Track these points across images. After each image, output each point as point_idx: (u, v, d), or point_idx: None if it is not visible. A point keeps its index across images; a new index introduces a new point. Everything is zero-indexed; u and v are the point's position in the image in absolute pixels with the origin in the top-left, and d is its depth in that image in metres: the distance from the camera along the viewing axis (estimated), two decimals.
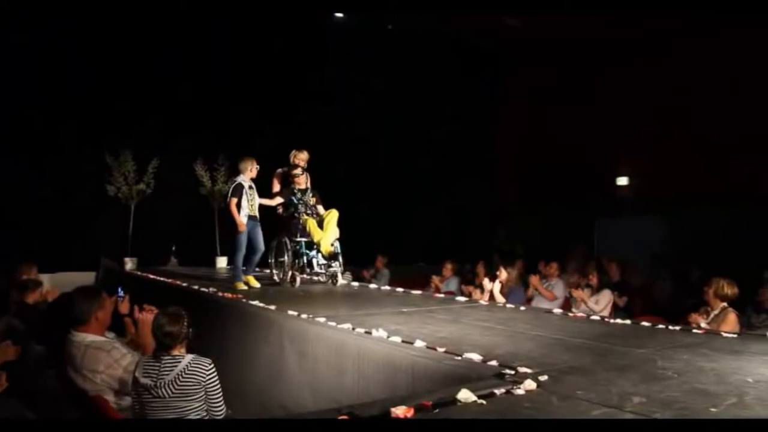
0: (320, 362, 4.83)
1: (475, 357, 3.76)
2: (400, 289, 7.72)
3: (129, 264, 10.78)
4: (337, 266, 7.93)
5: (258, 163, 7.89)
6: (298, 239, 8.00)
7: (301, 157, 8.23)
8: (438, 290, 9.16)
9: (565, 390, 3.09)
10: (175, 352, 3.85)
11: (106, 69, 11.31)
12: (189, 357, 3.83)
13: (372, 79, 13.74)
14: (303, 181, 8.19)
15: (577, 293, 7.77)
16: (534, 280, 8.25)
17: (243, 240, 7.63)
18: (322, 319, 5.19)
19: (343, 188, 10.78)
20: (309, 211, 8.08)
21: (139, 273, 10.30)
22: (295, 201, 8.06)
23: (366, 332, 4.59)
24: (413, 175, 14.36)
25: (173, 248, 11.67)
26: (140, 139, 11.00)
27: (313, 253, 8.01)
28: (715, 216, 11.43)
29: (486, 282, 7.67)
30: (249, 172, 7.77)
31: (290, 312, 5.59)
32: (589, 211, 13.67)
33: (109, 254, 11.23)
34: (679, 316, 6.42)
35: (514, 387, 3.08)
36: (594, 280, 7.93)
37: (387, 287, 7.88)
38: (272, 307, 5.92)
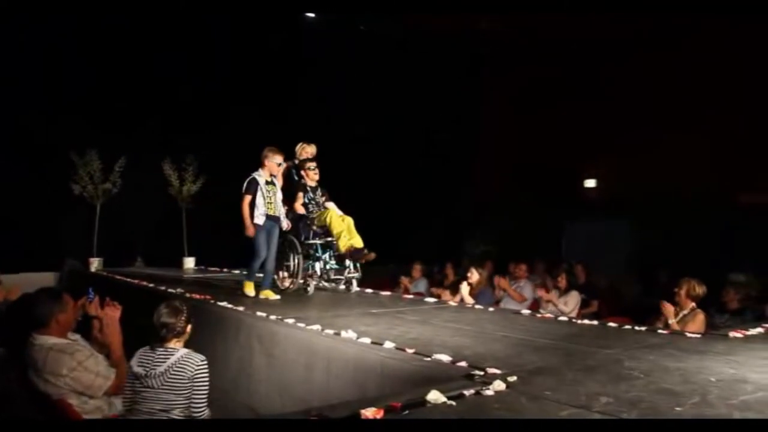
0: (289, 363, 4.80)
1: (444, 358, 3.76)
2: (369, 291, 7.71)
3: (94, 264, 10.61)
4: (354, 271, 7.41)
5: (286, 158, 7.08)
6: (312, 241, 7.32)
7: (310, 151, 7.70)
8: (407, 291, 9.15)
9: (534, 391, 3.10)
10: (170, 345, 3.83)
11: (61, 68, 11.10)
12: (183, 351, 3.81)
13: (346, 79, 13.70)
14: (315, 177, 7.56)
15: (545, 295, 7.82)
16: (502, 282, 8.28)
17: (262, 242, 6.68)
18: (291, 320, 5.16)
19: None
20: (322, 210, 7.46)
21: (104, 274, 10.14)
22: (307, 200, 7.43)
23: (335, 333, 4.58)
24: (383, 176, 14.34)
25: (139, 249, 11.51)
26: (108, 138, 10.82)
27: (326, 256, 7.39)
28: (680, 218, 11.62)
29: (463, 284, 7.70)
30: (270, 167, 6.79)
31: (259, 313, 5.56)
32: (557, 213, 13.80)
33: (74, 254, 11.03)
34: (647, 317, 6.51)
35: (484, 388, 3.09)
36: (563, 282, 7.99)
37: (356, 288, 7.86)
38: (241, 308, 5.87)
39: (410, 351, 3.98)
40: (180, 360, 3.73)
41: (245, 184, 6.69)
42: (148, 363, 3.74)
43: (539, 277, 9.50)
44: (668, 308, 5.91)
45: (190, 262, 11.19)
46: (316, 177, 7.53)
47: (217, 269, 10.73)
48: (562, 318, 5.72)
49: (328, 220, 7.15)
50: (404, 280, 9.43)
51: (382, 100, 14.03)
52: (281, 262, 7.33)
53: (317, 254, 7.34)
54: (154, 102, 11.62)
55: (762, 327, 5.03)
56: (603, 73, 12.65)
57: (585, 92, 12.92)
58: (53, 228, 11.07)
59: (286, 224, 6.96)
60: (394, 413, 2.73)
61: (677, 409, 2.83)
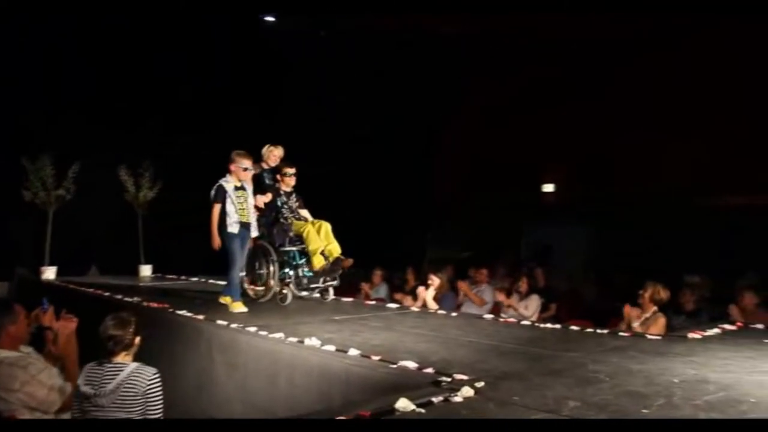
0: (251, 373, 4.72)
1: (411, 365, 3.73)
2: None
3: (46, 273, 10.30)
4: (330, 279, 7.03)
5: (254, 162, 6.74)
6: (288, 248, 6.92)
7: (278, 154, 7.38)
8: (368, 297, 9.10)
9: (502, 396, 3.09)
10: (119, 360, 3.65)
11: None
12: (133, 365, 3.64)
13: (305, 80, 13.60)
14: (291, 183, 7.17)
15: (505, 299, 7.85)
16: (463, 286, 8.30)
17: (237, 251, 6.34)
18: (253, 329, 5.07)
19: None
20: (296, 216, 7.13)
21: (57, 283, 9.86)
22: (279, 204, 7.04)
23: (299, 341, 4.51)
24: (343, 180, 14.24)
25: (94, 257, 11.23)
26: (61, 143, 10.53)
27: (303, 262, 6.97)
28: (637, 221, 11.83)
29: (421, 289, 7.68)
30: (236, 172, 6.43)
31: (220, 321, 5.45)
32: (517, 217, 13.91)
33: (25, 263, 10.70)
34: (605, 320, 6.59)
35: (452, 394, 3.07)
36: (524, 285, 8.04)
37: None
38: (201, 317, 5.75)
39: (375, 358, 3.94)
40: (130, 375, 3.57)
41: (213, 192, 6.35)
42: (96, 380, 3.56)
43: (500, 282, 9.54)
44: (632, 311, 5.99)
45: (146, 270, 10.94)
46: (293, 183, 7.17)
47: (175, 277, 10.53)
48: (525, 322, 5.76)
49: (305, 234, 6.81)
50: (365, 286, 9.36)
51: (344, 101, 13.96)
52: (253, 270, 7.06)
53: (293, 262, 6.97)
54: (106, 106, 11.37)
55: (719, 328, 5.13)
56: (564, 79, 12.80)
57: (544, 98, 13.05)
58: (3, 236, 10.72)
59: (255, 232, 6.68)
60: None
61: (644, 411, 2.85)
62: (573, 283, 10.30)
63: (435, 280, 7.87)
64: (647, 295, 5.98)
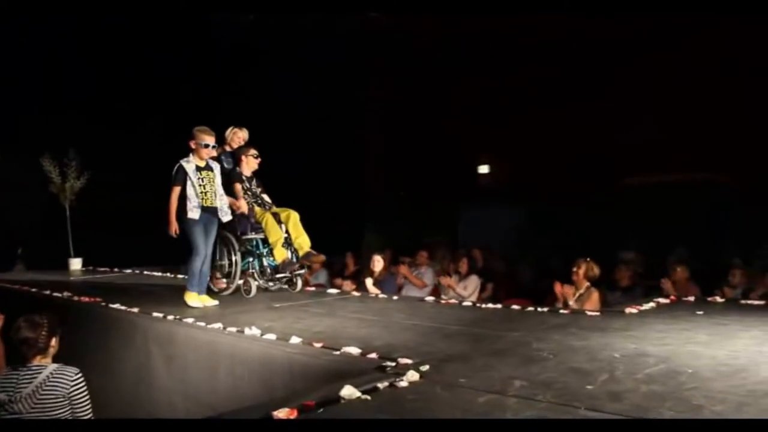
0: (190, 366, 4.58)
1: (354, 351, 3.68)
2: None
3: None
4: (298, 267, 6.57)
5: (217, 140, 6.12)
6: (250, 236, 6.49)
7: (242, 136, 6.91)
8: (307, 284, 8.98)
9: (448, 379, 3.07)
10: (36, 363, 3.47)
11: None
12: (51, 367, 3.47)
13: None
14: (255, 166, 6.75)
15: (445, 280, 7.89)
16: (403, 268, 8.29)
17: (199, 239, 5.76)
18: (190, 320, 4.94)
19: None
20: (258, 202, 6.71)
21: None
22: (243, 189, 6.59)
23: (238, 331, 4.41)
24: (276, 166, 14.01)
25: (19, 251, 10.74)
26: None
27: (266, 251, 6.59)
28: (571, 201, 12.08)
29: (369, 282, 7.65)
30: (198, 151, 5.85)
31: (156, 314, 5.28)
32: (453, 199, 13.99)
33: None
34: (542, 299, 6.69)
35: (397, 379, 3.02)
36: (464, 267, 8.09)
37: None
38: (135, 310, 5.56)
39: (318, 345, 3.88)
40: (50, 377, 3.41)
41: (173, 174, 5.79)
42: (10, 387, 3.38)
43: (439, 263, 9.58)
44: (566, 289, 6.09)
45: (76, 264, 10.51)
46: (256, 166, 6.73)
47: (107, 269, 10.18)
48: (467, 303, 5.78)
49: (264, 223, 6.42)
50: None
51: (281, 88, 13.72)
52: (214, 261, 6.41)
53: (257, 251, 6.58)
54: (29, 96, 10.91)
55: (654, 302, 5.25)
56: (496, 59, 12.86)
57: (478, 79, 13.11)
58: None
59: (226, 216, 6.09)
60: (309, 412, 2.61)
61: (588, 387, 2.87)
62: (509, 263, 10.43)
63: (379, 262, 7.86)
64: (581, 271, 6.09)
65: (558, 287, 6.19)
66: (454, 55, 13.18)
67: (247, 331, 4.37)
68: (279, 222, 6.50)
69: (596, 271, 6.20)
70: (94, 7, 10.04)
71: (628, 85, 11.10)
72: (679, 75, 10.49)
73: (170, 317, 5.10)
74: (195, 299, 5.78)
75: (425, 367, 3.24)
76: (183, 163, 5.80)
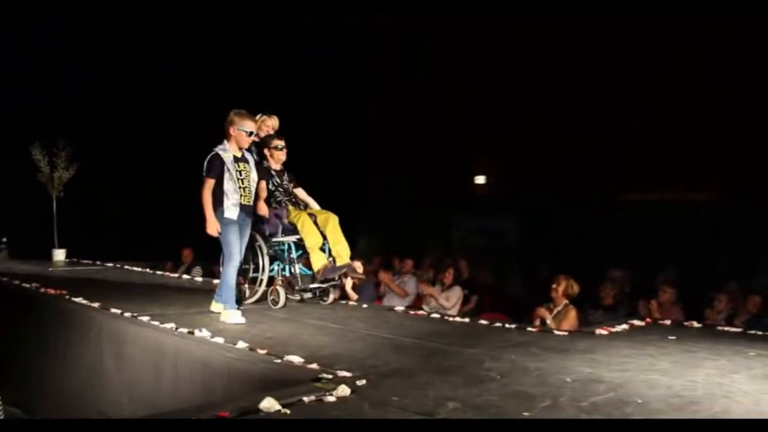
0: (138, 365, 4.44)
1: (296, 360, 3.51)
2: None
3: None
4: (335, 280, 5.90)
5: (259, 126, 5.48)
6: (280, 238, 5.75)
7: (271, 125, 6.11)
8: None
9: (381, 396, 2.89)
10: None
11: None
12: None
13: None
14: (282, 158, 5.97)
15: (427, 288, 7.73)
16: (385, 277, 8.13)
17: (234, 242, 4.98)
18: (146, 318, 4.78)
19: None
20: (292, 200, 5.94)
21: None
22: (272, 186, 5.83)
23: (189, 332, 4.25)
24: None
25: (4, 240, 10.63)
26: None
27: (299, 255, 5.82)
28: (565, 214, 11.88)
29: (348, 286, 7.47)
30: (238, 137, 5.07)
31: (113, 310, 5.13)
32: (447, 208, 13.79)
33: None
34: (528, 313, 6.52)
35: (326, 393, 2.85)
36: (449, 277, 7.92)
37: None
38: (95, 305, 5.41)
39: (262, 352, 3.72)
40: None
41: (206, 164, 5.00)
42: None
43: (426, 273, 9.41)
44: (543, 312, 5.91)
45: (60, 255, 10.39)
46: (283, 158, 5.94)
47: (90, 262, 10.06)
48: (435, 315, 5.57)
49: (299, 224, 5.61)
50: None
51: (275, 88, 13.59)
52: (241, 266, 5.50)
53: (287, 255, 5.78)
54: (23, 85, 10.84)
55: (627, 324, 5.05)
56: (492, 68, 12.71)
57: (475, 89, 12.96)
58: None
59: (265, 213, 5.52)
60: None
61: (525, 414, 2.69)
62: (498, 275, 10.26)
63: (359, 267, 7.71)
64: (561, 288, 5.93)
65: (538, 311, 6.01)
66: (452, 57, 13.07)
67: (197, 333, 4.22)
68: (315, 225, 5.75)
69: (576, 288, 6.04)
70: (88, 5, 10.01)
71: (627, 98, 10.93)
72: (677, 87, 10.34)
73: (127, 314, 4.95)
74: (235, 316, 4.86)
75: (362, 382, 3.07)
76: (219, 151, 5.01)
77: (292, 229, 5.72)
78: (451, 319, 5.34)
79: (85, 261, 10.18)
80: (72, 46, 11.09)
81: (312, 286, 5.85)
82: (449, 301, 7.65)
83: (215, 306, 5.13)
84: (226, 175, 4.96)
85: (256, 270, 5.67)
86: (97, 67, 11.52)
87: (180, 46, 11.89)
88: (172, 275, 8.76)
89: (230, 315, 4.86)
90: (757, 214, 9.70)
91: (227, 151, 5.02)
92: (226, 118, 5.06)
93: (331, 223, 5.77)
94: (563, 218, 11.88)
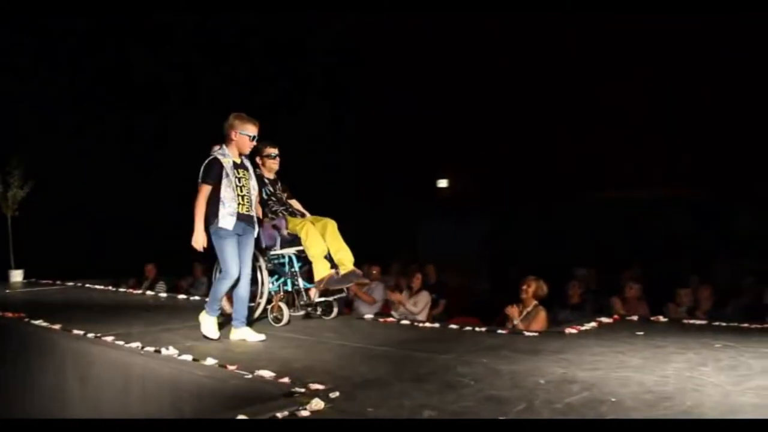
0: (104, 387, 4.32)
1: (268, 374, 3.45)
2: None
3: None
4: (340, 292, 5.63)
5: (260, 131, 4.79)
6: (279, 251, 5.45)
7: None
8: (254, 299, 8.70)
9: (356, 408, 2.86)
10: None
11: None
12: None
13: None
14: (275, 167, 5.65)
15: (395, 296, 7.70)
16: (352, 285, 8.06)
17: (231, 255, 4.54)
18: (110, 338, 4.66)
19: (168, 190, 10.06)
20: (288, 209, 5.60)
21: None
22: (265, 195, 5.46)
23: (155, 351, 4.15)
24: None
25: None
26: None
27: (299, 267, 5.46)
28: (530, 216, 11.99)
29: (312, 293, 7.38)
30: (240, 142, 4.67)
31: (75, 331, 4.99)
32: (413, 213, 13.79)
33: None
34: (496, 316, 6.52)
35: (300, 408, 2.80)
36: (417, 282, 7.90)
37: (197, 298, 7.35)
38: (56, 327, 5.26)
39: (232, 367, 3.64)
40: None
41: (203, 168, 4.56)
42: None
43: (393, 279, 9.38)
44: (512, 311, 5.91)
45: (17, 276, 10.12)
46: (276, 167, 5.63)
47: (50, 282, 9.80)
48: (405, 322, 5.56)
49: (303, 234, 5.26)
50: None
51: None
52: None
53: (288, 269, 5.45)
54: None
55: (596, 321, 5.09)
56: (457, 74, 12.78)
57: (439, 94, 13.01)
58: None
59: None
60: None
61: (500, 418, 2.68)
62: (466, 279, 10.28)
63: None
64: (531, 290, 5.93)
65: (508, 310, 6.02)
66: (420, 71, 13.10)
67: (164, 351, 4.12)
68: None
69: (545, 289, 6.06)
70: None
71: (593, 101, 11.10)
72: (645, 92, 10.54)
73: (90, 335, 4.82)
74: (212, 327, 4.63)
75: (336, 394, 3.03)
76: (218, 155, 4.60)
77: (290, 240, 5.42)
78: (421, 325, 5.34)
79: (44, 281, 9.93)
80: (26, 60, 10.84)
81: (319, 300, 5.49)
82: (417, 306, 7.63)
83: (202, 318, 4.73)
84: (224, 182, 4.54)
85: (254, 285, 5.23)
86: (57, 83, 11.26)
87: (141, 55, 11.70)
88: (135, 292, 8.59)
89: (206, 322, 4.64)
90: (717, 209, 9.92)
91: (227, 156, 4.62)
92: (225, 122, 4.68)
93: (330, 229, 5.43)
94: (527, 219, 11.97)
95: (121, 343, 4.50)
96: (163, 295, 8.03)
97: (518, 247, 11.68)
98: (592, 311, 6.97)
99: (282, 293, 5.43)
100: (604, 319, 5.21)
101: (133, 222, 11.94)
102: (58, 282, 9.77)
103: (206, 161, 4.58)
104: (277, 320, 5.21)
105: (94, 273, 10.04)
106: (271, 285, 5.39)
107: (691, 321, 5.20)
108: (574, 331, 4.73)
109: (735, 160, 10.01)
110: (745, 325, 4.79)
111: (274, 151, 5.58)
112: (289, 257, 5.45)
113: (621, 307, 6.80)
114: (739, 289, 7.56)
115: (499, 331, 4.93)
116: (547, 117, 11.53)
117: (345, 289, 5.67)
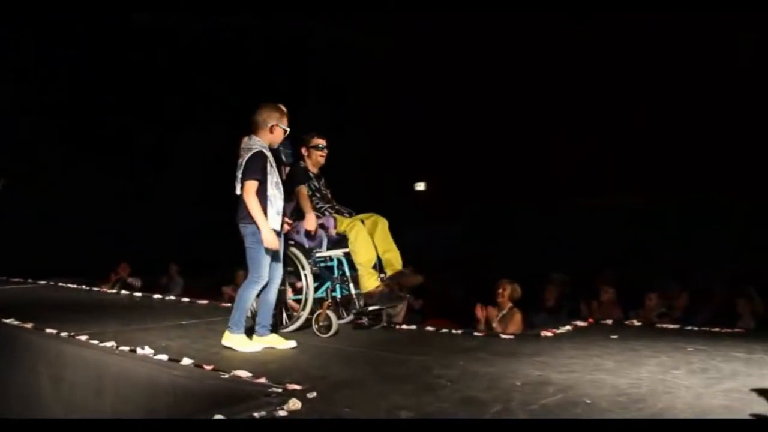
0: (78, 387, 4.26)
1: (244, 374, 3.44)
2: (186, 300, 7.15)
3: None
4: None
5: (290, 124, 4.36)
6: (325, 252, 4.97)
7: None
8: (232, 300, 8.62)
9: (333, 408, 2.86)
10: None
11: None
12: None
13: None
14: (321, 161, 5.15)
15: None
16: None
17: (265, 257, 4.16)
18: (84, 337, 4.61)
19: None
20: (334, 207, 5.10)
21: None
22: (309, 192, 4.97)
23: (130, 350, 4.11)
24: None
25: None
26: None
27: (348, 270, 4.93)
28: (505, 221, 12.06)
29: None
30: (276, 135, 4.28)
31: (49, 330, 4.92)
32: (392, 217, 13.80)
33: None
34: (471, 319, 6.55)
35: (277, 408, 2.80)
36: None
37: (173, 297, 7.29)
38: (28, 325, 5.19)
39: (208, 367, 3.63)
40: None
41: (249, 162, 4.12)
42: None
43: None
44: (489, 311, 5.96)
45: None
46: (322, 160, 5.12)
47: (21, 280, 9.66)
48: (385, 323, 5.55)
49: (352, 236, 4.76)
50: (227, 289, 8.78)
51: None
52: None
53: (337, 272, 4.95)
54: None
55: (571, 325, 5.14)
56: (435, 77, 12.83)
57: (418, 98, 13.04)
58: None
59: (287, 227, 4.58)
60: None
61: (477, 419, 2.70)
62: (441, 282, 10.29)
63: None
64: (506, 293, 5.99)
65: (479, 310, 6.06)
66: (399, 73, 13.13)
67: (139, 350, 4.08)
68: None
69: (519, 292, 6.12)
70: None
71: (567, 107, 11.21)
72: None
73: (64, 334, 4.76)
74: (243, 342, 4.19)
75: (313, 394, 3.03)
76: (262, 148, 4.17)
77: (337, 241, 4.92)
78: (397, 326, 5.34)
79: (16, 279, 9.77)
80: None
81: (372, 308, 4.84)
82: (394, 309, 7.64)
83: (228, 339, 4.23)
84: (269, 178, 4.16)
85: (296, 291, 4.92)
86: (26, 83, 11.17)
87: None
88: (108, 291, 8.50)
89: (238, 341, 4.18)
90: (691, 216, 10.06)
91: (267, 149, 4.22)
92: (260, 112, 4.24)
93: (380, 227, 4.97)
94: (502, 223, 12.04)
95: (95, 342, 4.45)
96: (138, 294, 7.95)
97: (492, 250, 11.74)
98: (567, 315, 7.04)
99: (329, 300, 4.86)
100: (579, 323, 5.28)
101: (106, 219, 11.84)
102: (30, 280, 9.63)
103: (250, 154, 4.12)
104: (326, 329, 4.63)
105: (67, 271, 9.91)
106: (316, 289, 4.80)
107: (664, 325, 5.26)
108: (549, 334, 4.77)
109: (707, 172, 10.18)
110: (716, 329, 4.88)
111: (322, 142, 5.09)
112: (338, 260, 4.95)
113: (591, 311, 6.90)
114: (711, 295, 7.67)
115: (476, 333, 4.96)
116: (535, 120, 11.62)
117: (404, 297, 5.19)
